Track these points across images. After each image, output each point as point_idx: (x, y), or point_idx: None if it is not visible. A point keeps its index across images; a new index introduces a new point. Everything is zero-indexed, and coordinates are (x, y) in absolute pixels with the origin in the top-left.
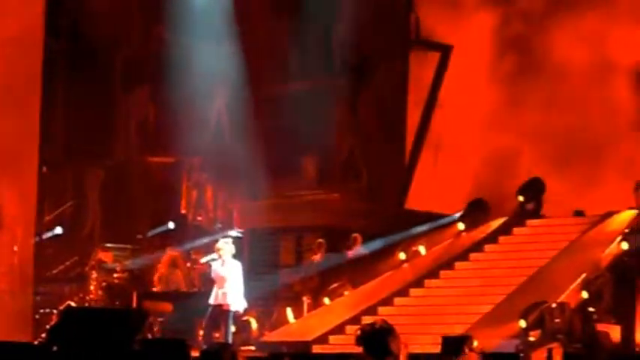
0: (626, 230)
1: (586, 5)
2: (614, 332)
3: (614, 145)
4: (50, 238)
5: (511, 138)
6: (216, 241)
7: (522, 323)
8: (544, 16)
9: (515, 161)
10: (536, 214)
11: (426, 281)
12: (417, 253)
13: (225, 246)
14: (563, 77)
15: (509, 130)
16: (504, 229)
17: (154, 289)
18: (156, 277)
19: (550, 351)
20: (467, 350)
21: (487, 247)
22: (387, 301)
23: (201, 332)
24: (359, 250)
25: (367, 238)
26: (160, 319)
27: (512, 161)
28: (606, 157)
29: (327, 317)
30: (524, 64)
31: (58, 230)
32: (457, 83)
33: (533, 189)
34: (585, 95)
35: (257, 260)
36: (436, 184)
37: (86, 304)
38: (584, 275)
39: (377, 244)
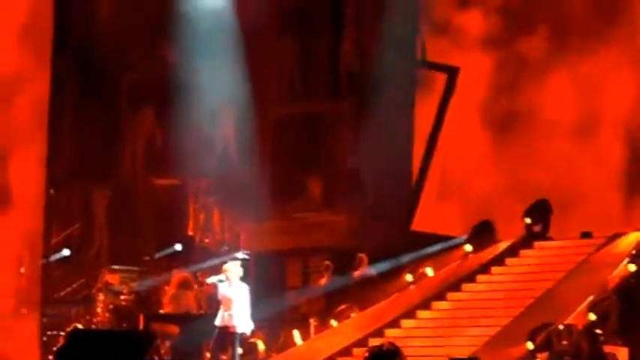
0: (634, 252)
1: (582, 54)
2: (622, 354)
3: (581, 203)
4: (57, 260)
5: (493, 182)
6: (224, 262)
7: (530, 345)
8: (540, 61)
9: (495, 206)
10: (543, 235)
11: (433, 303)
12: (424, 274)
13: (233, 268)
14: (552, 127)
15: (493, 174)
16: (511, 251)
17: (164, 310)
18: (166, 298)
19: None
20: None
21: (494, 269)
22: (394, 323)
23: (208, 354)
24: (366, 270)
25: (374, 260)
26: (168, 342)
27: (492, 206)
28: (571, 215)
29: (334, 339)
30: (515, 109)
31: (65, 252)
32: (451, 121)
33: (540, 210)
34: (569, 149)
35: (264, 282)
36: (441, 208)
37: (93, 327)
38: (591, 297)
39: (384, 266)
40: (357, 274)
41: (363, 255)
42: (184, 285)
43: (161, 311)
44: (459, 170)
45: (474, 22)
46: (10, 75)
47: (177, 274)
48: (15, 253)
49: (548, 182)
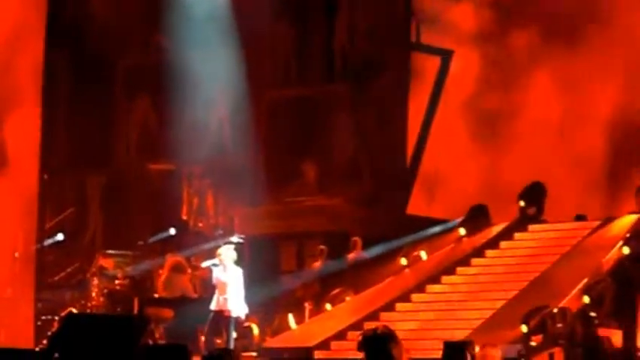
0: (628, 235)
1: (568, 52)
2: (616, 337)
3: (564, 201)
4: (51, 244)
5: (478, 178)
6: (218, 247)
7: (524, 328)
8: (529, 58)
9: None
10: (537, 218)
11: (428, 286)
12: (419, 258)
13: (227, 252)
14: (537, 124)
15: (478, 170)
16: (506, 234)
17: (158, 295)
18: (160, 282)
19: (551, 356)
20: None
21: (488, 253)
22: (388, 307)
23: (202, 338)
24: (360, 253)
25: (368, 244)
26: (162, 326)
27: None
28: (555, 213)
29: (329, 323)
30: (502, 105)
31: (60, 237)
32: (438, 115)
33: (534, 193)
34: (553, 146)
35: (258, 266)
36: (432, 204)
37: (87, 311)
38: (585, 280)
39: (378, 250)
40: (351, 257)
41: (357, 238)
42: (177, 269)
43: (155, 295)
44: (448, 166)
45: (464, 15)
46: (4, 39)
47: (171, 258)
48: (12, 229)
49: (531, 180)
